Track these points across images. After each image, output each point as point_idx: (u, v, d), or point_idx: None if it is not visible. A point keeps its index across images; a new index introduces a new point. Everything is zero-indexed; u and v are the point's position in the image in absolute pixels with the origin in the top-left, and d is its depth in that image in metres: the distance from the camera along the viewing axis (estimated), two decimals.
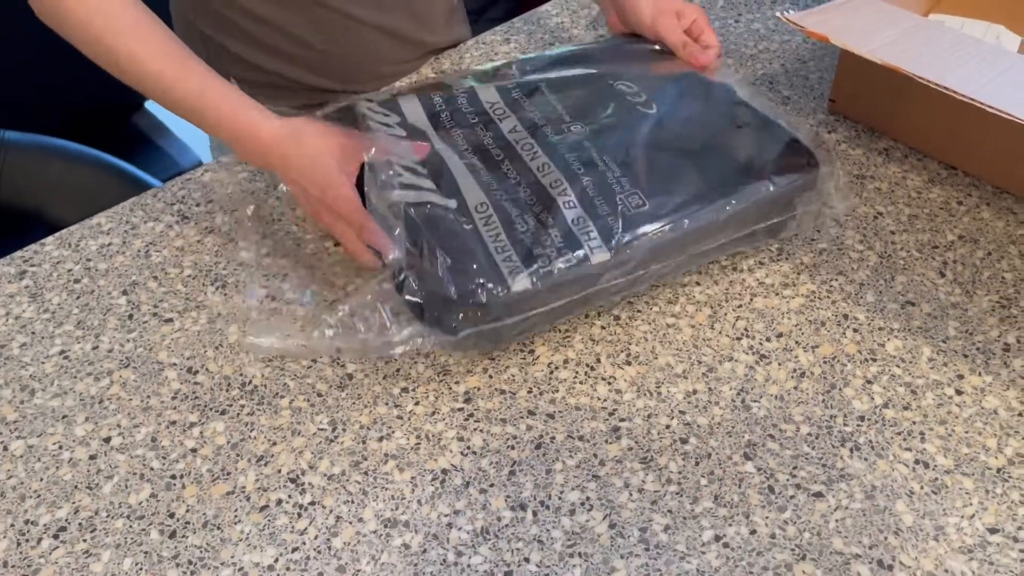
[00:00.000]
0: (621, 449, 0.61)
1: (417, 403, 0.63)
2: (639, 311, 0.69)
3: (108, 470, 0.60)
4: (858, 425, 0.62)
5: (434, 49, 0.95)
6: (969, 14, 0.88)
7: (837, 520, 0.57)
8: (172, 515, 0.58)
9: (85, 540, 0.56)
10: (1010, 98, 0.62)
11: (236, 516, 0.58)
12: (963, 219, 0.77)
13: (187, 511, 0.58)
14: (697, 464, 0.60)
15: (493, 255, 0.62)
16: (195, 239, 0.76)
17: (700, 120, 0.72)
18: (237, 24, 0.86)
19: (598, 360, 0.66)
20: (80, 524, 0.57)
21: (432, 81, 0.80)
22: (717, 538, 0.56)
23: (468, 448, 0.61)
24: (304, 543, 0.56)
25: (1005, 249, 0.74)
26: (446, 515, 0.57)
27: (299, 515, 0.58)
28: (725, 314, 0.69)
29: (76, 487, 0.59)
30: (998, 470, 0.59)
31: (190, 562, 0.55)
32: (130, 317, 0.70)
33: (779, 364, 0.66)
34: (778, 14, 0.67)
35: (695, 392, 0.64)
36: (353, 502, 0.58)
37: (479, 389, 0.64)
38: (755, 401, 0.63)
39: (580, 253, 0.62)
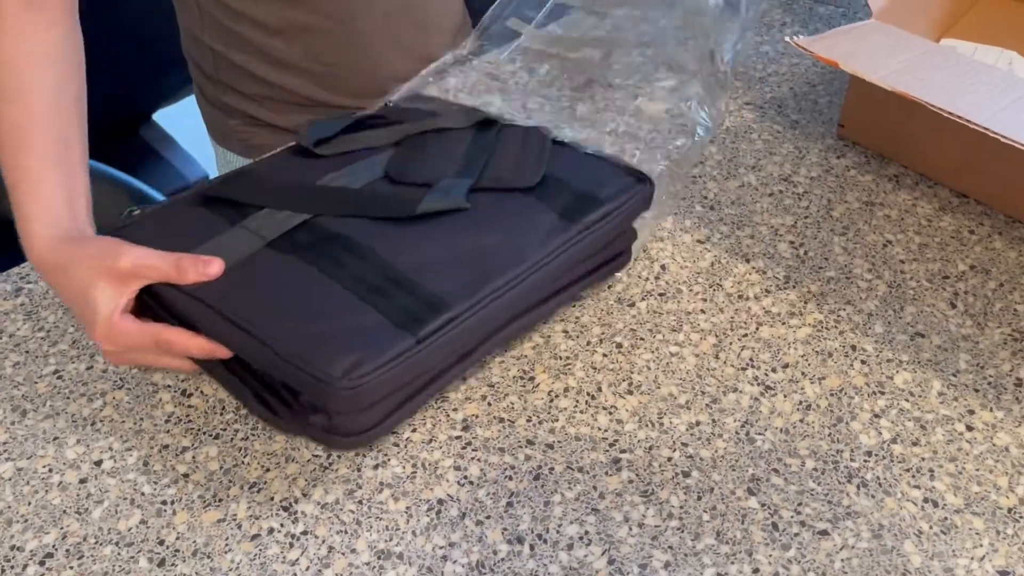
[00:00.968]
0: (621, 482, 0.59)
1: (414, 430, 0.62)
2: (642, 339, 0.68)
3: (98, 495, 0.59)
4: (865, 460, 0.60)
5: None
6: (981, 40, 0.87)
7: (843, 560, 0.55)
8: (162, 542, 0.56)
9: (71, 568, 0.55)
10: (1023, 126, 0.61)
11: (227, 544, 0.56)
12: (974, 249, 0.75)
13: (177, 538, 0.57)
14: (699, 499, 0.58)
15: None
16: None
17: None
18: (244, 38, 0.85)
19: (599, 389, 0.65)
20: (67, 551, 0.56)
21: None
22: None
23: (465, 478, 0.59)
24: (295, 574, 0.55)
25: (1018, 280, 0.72)
26: (441, 547, 0.56)
27: (291, 544, 0.56)
28: (730, 343, 0.68)
29: (65, 512, 0.58)
30: (1009, 510, 0.58)
31: None
32: None
33: (785, 396, 0.64)
34: (787, 38, 0.66)
35: (698, 424, 0.62)
36: (346, 532, 0.57)
37: (477, 417, 0.63)
38: (759, 434, 0.62)
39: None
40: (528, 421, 0.63)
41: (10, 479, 0.60)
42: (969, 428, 0.62)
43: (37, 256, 0.63)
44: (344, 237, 0.61)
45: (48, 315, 0.71)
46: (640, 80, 0.87)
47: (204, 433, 0.62)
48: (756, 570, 0.55)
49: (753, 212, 0.79)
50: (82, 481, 0.60)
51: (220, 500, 0.59)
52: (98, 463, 0.61)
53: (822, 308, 0.70)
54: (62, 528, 0.57)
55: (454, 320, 0.56)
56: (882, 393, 0.64)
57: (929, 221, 0.78)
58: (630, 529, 0.57)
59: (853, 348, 0.67)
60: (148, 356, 0.61)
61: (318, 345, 0.54)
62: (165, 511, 0.58)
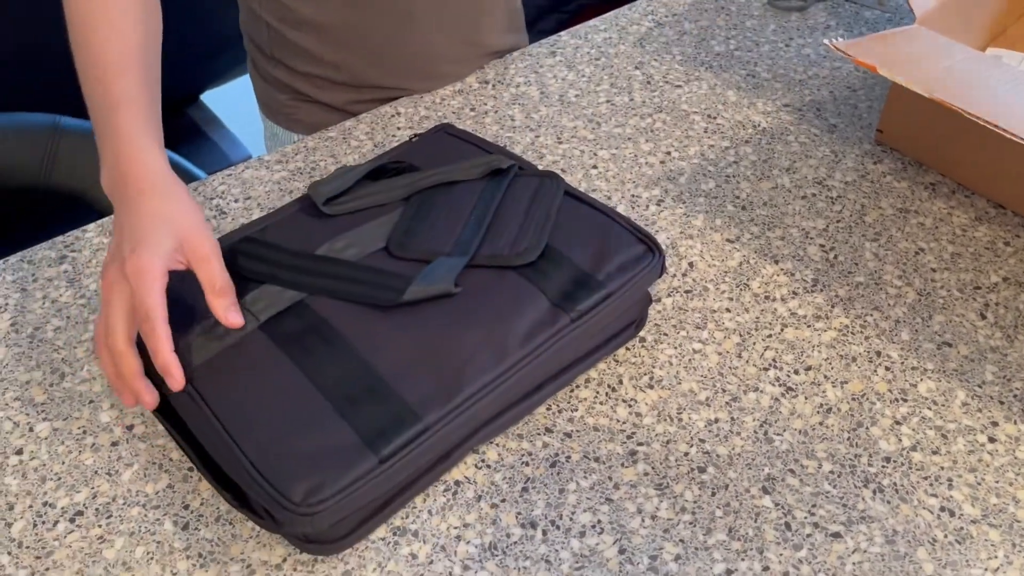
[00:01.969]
0: (637, 474, 0.60)
1: None
2: (665, 334, 0.68)
3: (129, 458, 0.61)
4: (883, 466, 0.60)
5: (490, 52, 0.95)
6: None
7: (854, 563, 0.55)
8: (187, 507, 0.58)
9: (100, 526, 0.57)
10: None
11: None
12: (1009, 260, 0.74)
13: (201, 504, 0.58)
14: (713, 495, 0.59)
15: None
16: None
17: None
18: (298, 14, 0.87)
19: (620, 382, 0.65)
20: (97, 510, 0.58)
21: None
22: (728, 572, 0.55)
23: (483, 461, 0.60)
24: None
25: None
26: (456, 527, 0.57)
27: None
28: (754, 343, 0.68)
29: (96, 472, 0.60)
30: None
31: (200, 555, 0.56)
32: None
33: (806, 398, 0.64)
34: (826, 41, 0.66)
35: (717, 421, 0.63)
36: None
37: None
38: (778, 434, 0.62)
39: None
40: (548, 409, 0.63)
41: (46, 438, 0.62)
42: (991, 440, 0.62)
43: (152, 163, 0.60)
44: (328, 327, 0.60)
45: (90, 283, 0.73)
46: None
47: None
48: (766, 568, 0.55)
49: (785, 214, 0.78)
50: (114, 444, 0.62)
51: None
52: (130, 427, 0.63)
53: (848, 313, 0.70)
54: (93, 488, 0.59)
55: (425, 432, 0.54)
56: (905, 400, 0.64)
57: (964, 231, 0.77)
58: (643, 520, 0.57)
59: (878, 354, 0.67)
60: (121, 325, 0.56)
61: (282, 464, 0.52)
62: (191, 477, 0.60)
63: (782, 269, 0.74)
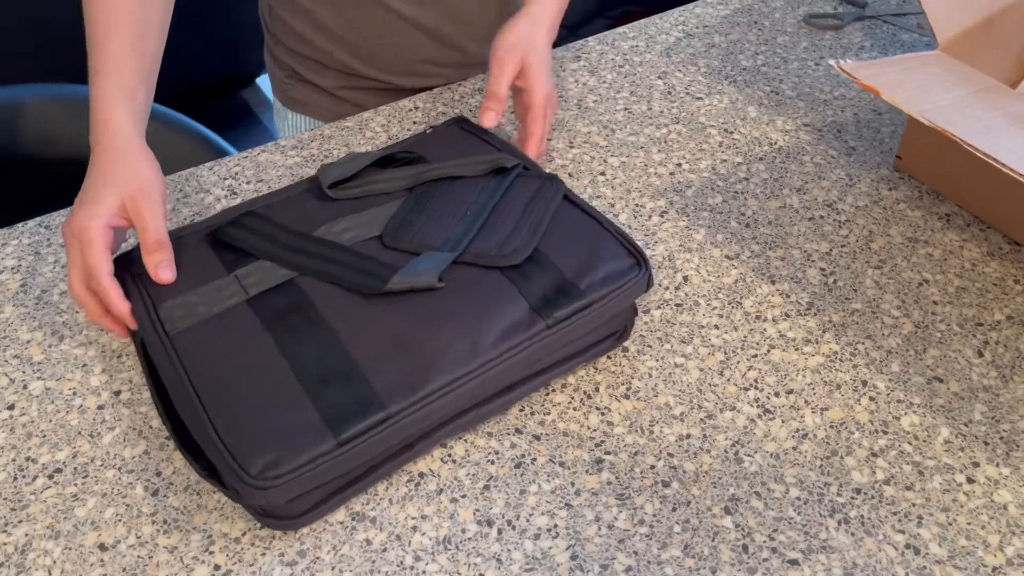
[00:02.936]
0: (600, 482, 0.60)
1: None
2: (649, 346, 0.68)
3: (111, 422, 0.63)
4: (852, 497, 0.59)
5: (482, 61, 0.95)
6: None
7: None
8: (159, 474, 0.60)
9: (76, 484, 0.60)
10: None
11: None
12: (1016, 299, 0.72)
13: (173, 472, 0.60)
14: (674, 510, 0.58)
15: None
16: None
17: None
18: (297, 1, 0.90)
19: (597, 389, 0.65)
20: (75, 469, 0.61)
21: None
22: None
23: (449, 456, 0.61)
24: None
25: None
26: (413, 518, 0.58)
27: None
28: (737, 362, 0.67)
29: (80, 433, 0.63)
30: (994, 568, 0.55)
31: (165, 521, 0.58)
32: None
33: (782, 421, 0.63)
34: (831, 61, 0.65)
35: (688, 436, 0.62)
36: None
37: None
38: (748, 455, 0.61)
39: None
40: (520, 410, 0.64)
41: (37, 396, 0.65)
42: (970, 480, 0.60)
43: (109, 129, 0.65)
44: (313, 309, 0.61)
45: None
46: None
47: None
48: None
49: (789, 234, 0.77)
50: (100, 407, 0.64)
51: None
52: (117, 393, 0.65)
53: (840, 339, 0.69)
54: (74, 448, 0.62)
55: (387, 420, 0.55)
56: (885, 433, 0.63)
57: (974, 265, 0.75)
58: (599, 529, 0.57)
59: (864, 383, 0.66)
60: (74, 275, 0.63)
61: (246, 436, 0.54)
62: (167, 446, 0.62)
63: (778, 290, 0.73)
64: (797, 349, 0.68)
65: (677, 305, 0.71)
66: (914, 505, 0.59)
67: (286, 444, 0.54)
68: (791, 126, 0.89)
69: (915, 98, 0.62)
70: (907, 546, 0.57)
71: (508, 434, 0.62)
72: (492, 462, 0.61)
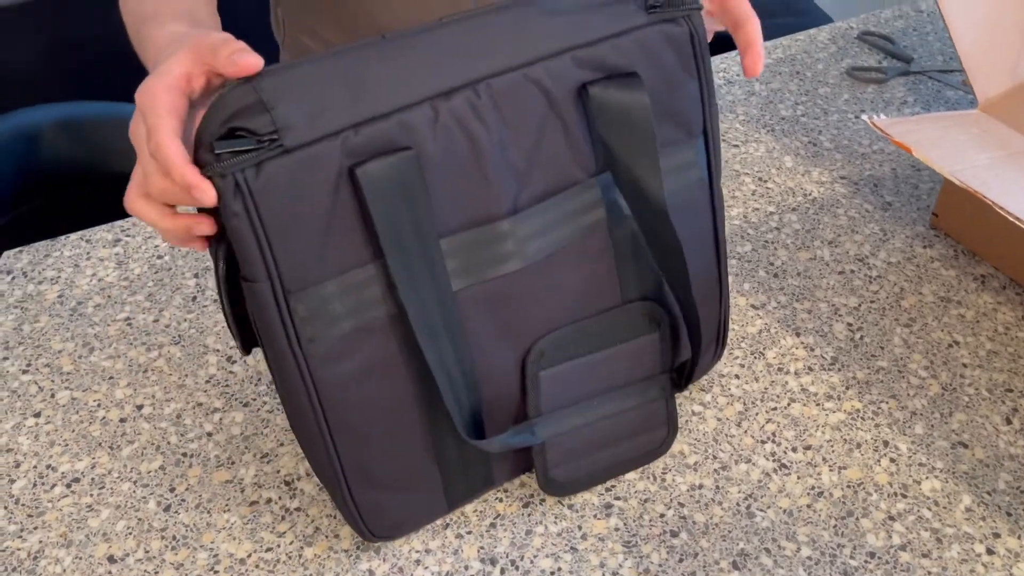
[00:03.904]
0: (608, 527, 0.59)
1: None
2: (675, 396, 0.68)
3: (131, 435, 0.65)
4: (866, 561, 0.58)
5: None
6: None
7: None
8: (172, 490, 0.61)
9: (92, 495, 0.61)
10: None
11: (227, 504, 0.60)
12: None
13: (187, 489, 0.61)
14: (681, 561, 0.57)
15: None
16: None
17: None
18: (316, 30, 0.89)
19: None
20: (92, 479, 0.62)
21: None
22: None
23: None
24: (279, 545, 0.58)
25: None
26: (417, 551, 0.58)
27: (283, 518, 0.60)
28: (756, 414, 0.66)
29: (100, 444, 0.64)
30: None
31: (174, 537, 0.58)
32: (193, 299, 0.75)
33: (798, 477, 0.62)
34: (864, 117, 0.64)
35: (701, 487, 0.62)
36: (335, 518, 0.60)
37: None
38: (761, 510, 0.60)
39: None
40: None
41: (63, 406, 0.66)
42: (990, 551, 0.58)
43: (165, 33, 0.52)
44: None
45: (135, 267, 0.78)
46: None
47: (236, 399, 0.67)
48: None
49: (817, 287, 0.76)
50: (122, 420, 0.66)
51: (232, 463, 0.63)
52: (139, 407, 0.66)
53: (863, 397, 0.68)
54: (94, 458, 0.63)
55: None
56: (904, 496, 0.61)
57: (1007, 329, 0.73)
58: (603, 575, 0.57)
59: (885, 444, 0.64)
60: (138, 167, 0.48)
61: (374, 503, 0.54)
62: (183, 462, 0.63)
63: (803, 343, 0.72)
64: (818, 404, 0.67)
65: None
66: (930, 573, 0.57)
67: (411, 519, 0.56)
68: (827, 178, 0.88)
69: (949, 157, 0.62)
70: None
71: (519, 475, 0.62)
72: (500, 500, 0.61)
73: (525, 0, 0.50)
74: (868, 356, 0.71)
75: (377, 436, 0.51)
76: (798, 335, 0.72)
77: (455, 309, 0.50)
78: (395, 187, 0.46)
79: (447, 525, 0.59)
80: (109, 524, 0.59)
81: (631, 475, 0.62)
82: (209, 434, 0.65)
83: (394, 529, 0.55)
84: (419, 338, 0.48)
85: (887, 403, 0.67)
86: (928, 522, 0.60)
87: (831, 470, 0.63)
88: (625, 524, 0.59)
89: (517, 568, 0.57)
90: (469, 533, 0.59)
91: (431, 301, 0.48)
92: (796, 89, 1.01)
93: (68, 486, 0.61)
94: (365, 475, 0.52)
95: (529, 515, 0.60)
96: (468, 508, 0.60)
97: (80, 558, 0.57)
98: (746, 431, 0.65)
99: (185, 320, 0.73)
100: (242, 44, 0.47)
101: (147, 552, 0.58)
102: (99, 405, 0.67)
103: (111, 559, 0.57)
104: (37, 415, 0.66)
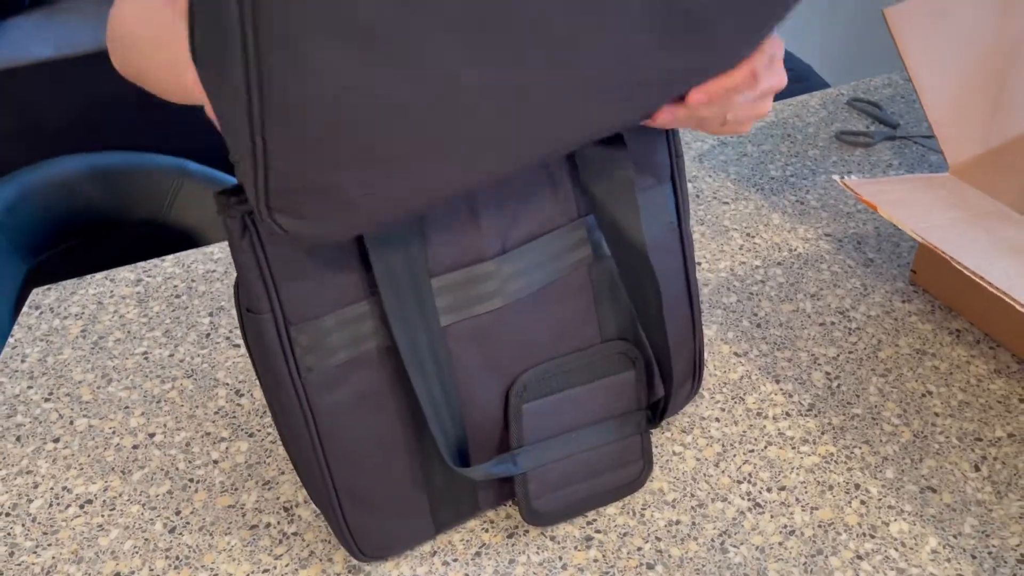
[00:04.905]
0: (587, 559, 0.62)
1: None
2: (650, 432, 0.71)
3: (143, 460, 0.69)
4: None
5: None
6: None
7: None
8: (178, 512, 0.65)
9: (103, 516, 0.65)
10: None
11: (228, 528, 0.64)
12: (1020, 417, 0.73)
13: (192, 512, 0.65)
14: None
15: None
16: None
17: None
18: None
19: None
20: (104, 501, 0.66)
21: None
22: None
23: None
24: (275, 567, 0.62)
25: None
26: None
27: (280, 541, 0.63)
28: (734, 455, 0.70)
29: (113, 469, 0.68)
30: None
31: (178, 557, 0.62)
32: (207, 336, 0.80)
33: (771, 516, 0.65)
34: (835, 177, 0.69)
35: (678, 523, 0.65)
36: (330, 543, 0.63)
37: None
38: (734, 546, 0.63)
39: None
40: None
41: (81, 432, 0.71)
42: None
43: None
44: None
45: (154, 305, 0.83)
46: None
47: (242, 430, 0.71)
48: None
49: (798, 337, 0.80)
50: (135, 447, 0.70)
51: (236, 489, 0.67)
52: (151, 435, 0.71)
53: (837, 442, 0.71)
54: (106, 482, 0.67)
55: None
56: (872, 536, 0.64)
57: (979, 381, 0.76)
58: None
59: (856, 487, 0.67)
60: None
61: (365, 525, 0.57)
62: (189, 487, 0.67)
63: (781, 389, 0.75)
64: (794, 448, 0.70)
65: None
66: None
67: (401, 541, 0.60)
68: (812, 235, 0.92)
69: (915, 216, 0.66)
70: None
71: (504, 505, 0.65)
72: (486, 530, 0.64)
73: None
74: (844, 403, 0.74)
75: (368, 460, 0.55)
76: (777, 382, 0.76)
77: (443, 344, 0.54)
78: (394, 232, 0.51)
79: (434, 552, 0.62)
80: (117, 543, 0.63)
81: (611, 509, 0.65)
82: (215, 461, 0.69)
83: (384, 549, 0.59)
84: (409, 370, 0.52)
85: (860, 448, 0.70)
86: (894, 562, 0.62)
87: (803, 510, 0.66)
88: (604, 556, 0.62)
89: None
90: (455, 560, 0.62)
91: (421, 336, 0.53)
92: (786, 151, 1.06)
93: (81, 507, 0.65)
94: (357, 497, 0.56)
95: (513, 545, 0.63)
96: (455, 537, 0.63)
97: (89, 574, 0.61)
98: (723, 471, 0.68)
99: (198, 355, 0.78)
100: None
101: (152, 571, 0.61)
102: (114, 432, 0.71)
103: None
104: (56, 440, 0.70)
